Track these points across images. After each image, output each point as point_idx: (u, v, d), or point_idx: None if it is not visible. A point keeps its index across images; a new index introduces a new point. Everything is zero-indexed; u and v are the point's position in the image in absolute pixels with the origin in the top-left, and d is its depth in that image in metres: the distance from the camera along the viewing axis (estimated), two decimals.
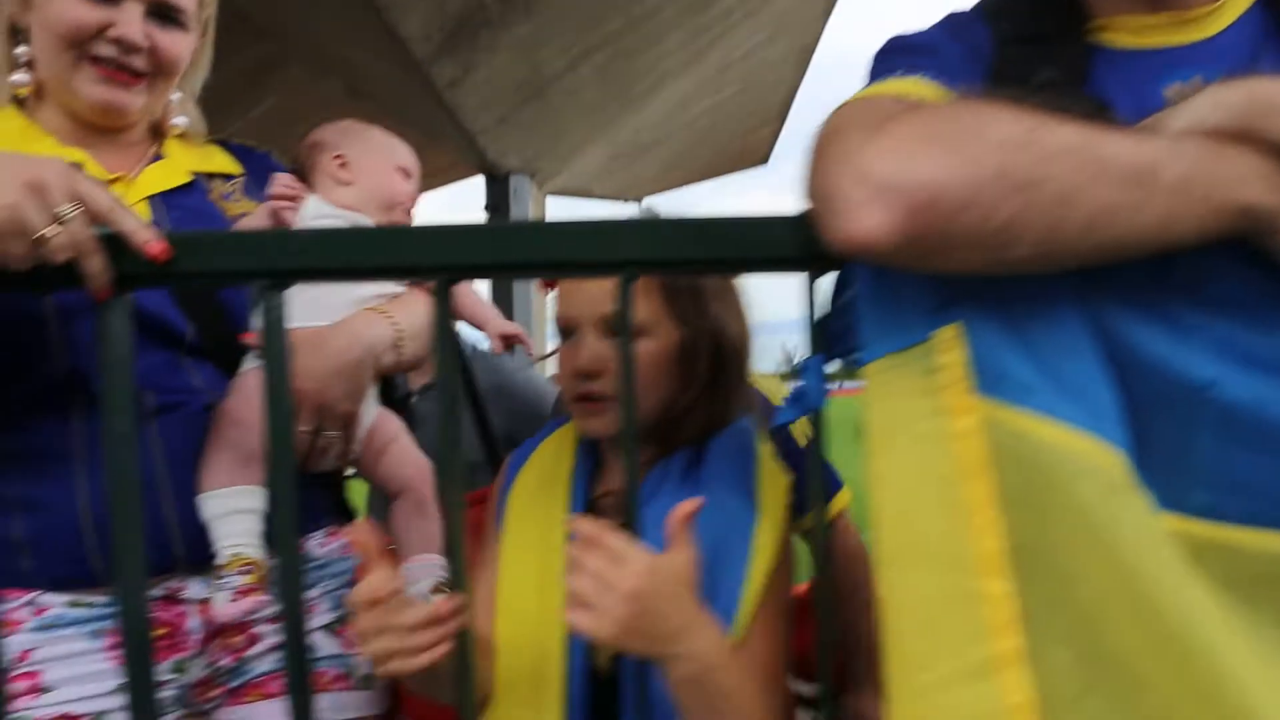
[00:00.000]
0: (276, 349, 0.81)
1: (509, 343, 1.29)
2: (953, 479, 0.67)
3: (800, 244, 0.74)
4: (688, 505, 0.87)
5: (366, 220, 1.24)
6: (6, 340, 0.99)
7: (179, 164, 1.16)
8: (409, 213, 1.31)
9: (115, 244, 0.79)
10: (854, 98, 0.76)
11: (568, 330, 1.08)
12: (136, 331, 0.84)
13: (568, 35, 4.60)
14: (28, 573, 1.00)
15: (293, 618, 0.82)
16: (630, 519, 0.84)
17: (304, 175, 1.28)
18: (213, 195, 1.18)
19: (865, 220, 0.63)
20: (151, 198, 1.11)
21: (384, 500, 1.32)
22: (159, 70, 1.10)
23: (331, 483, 1.23)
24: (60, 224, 0.78)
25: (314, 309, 1.12)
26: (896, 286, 0.71)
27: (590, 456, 1.11)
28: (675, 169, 8.53)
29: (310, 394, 1.07)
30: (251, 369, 1.10)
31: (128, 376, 0.80)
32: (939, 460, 0.67)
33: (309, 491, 1.14)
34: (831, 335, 0.82)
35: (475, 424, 1.73)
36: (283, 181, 1.18)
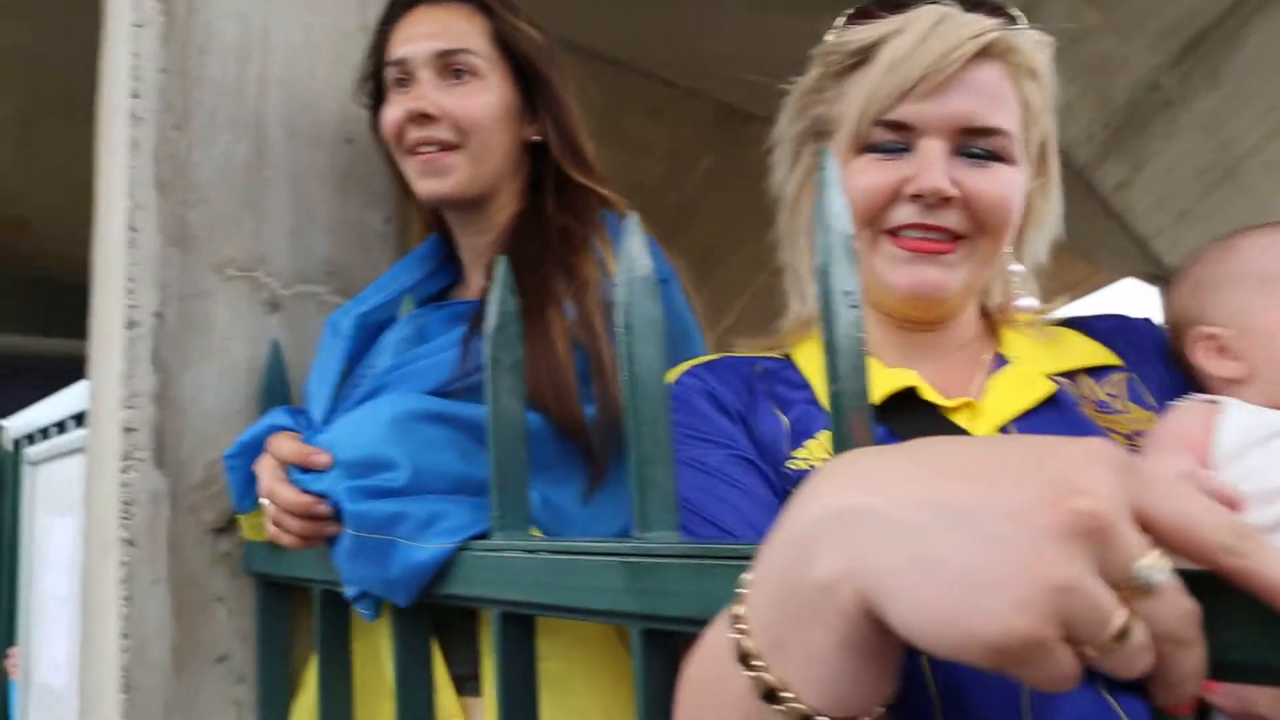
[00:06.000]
0: None
1: None
2: None
3: None
4: None
5: None
6: None
7: (1032, 367, 0.82)
8: None
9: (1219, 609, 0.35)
10: None
11: None
12: None
13: (1267, 96, 3.69)
14: None
15: None
16: None
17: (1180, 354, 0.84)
18: (1085, 406, 0.80)
19: None
20: (1005, 427, 0.77)
21: None
22: (980, 228, 0.78)
23: None
24: (1135, 595, 0.33)
25: None
26: None
27: None
28: None
29: None
30: None
31: None
32: None
33: None
34: None
35: None
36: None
